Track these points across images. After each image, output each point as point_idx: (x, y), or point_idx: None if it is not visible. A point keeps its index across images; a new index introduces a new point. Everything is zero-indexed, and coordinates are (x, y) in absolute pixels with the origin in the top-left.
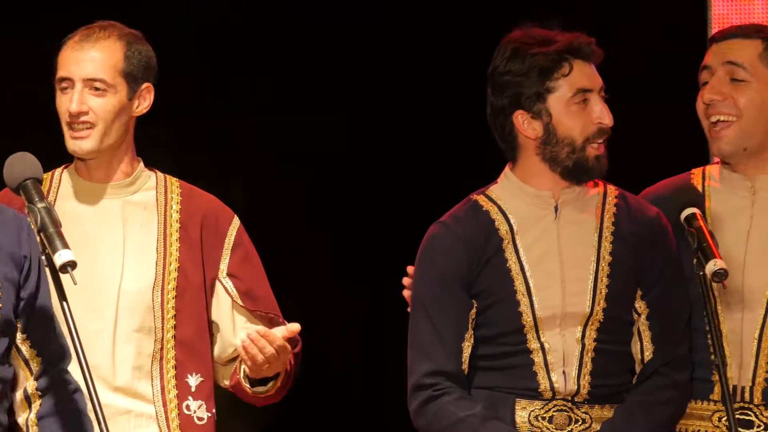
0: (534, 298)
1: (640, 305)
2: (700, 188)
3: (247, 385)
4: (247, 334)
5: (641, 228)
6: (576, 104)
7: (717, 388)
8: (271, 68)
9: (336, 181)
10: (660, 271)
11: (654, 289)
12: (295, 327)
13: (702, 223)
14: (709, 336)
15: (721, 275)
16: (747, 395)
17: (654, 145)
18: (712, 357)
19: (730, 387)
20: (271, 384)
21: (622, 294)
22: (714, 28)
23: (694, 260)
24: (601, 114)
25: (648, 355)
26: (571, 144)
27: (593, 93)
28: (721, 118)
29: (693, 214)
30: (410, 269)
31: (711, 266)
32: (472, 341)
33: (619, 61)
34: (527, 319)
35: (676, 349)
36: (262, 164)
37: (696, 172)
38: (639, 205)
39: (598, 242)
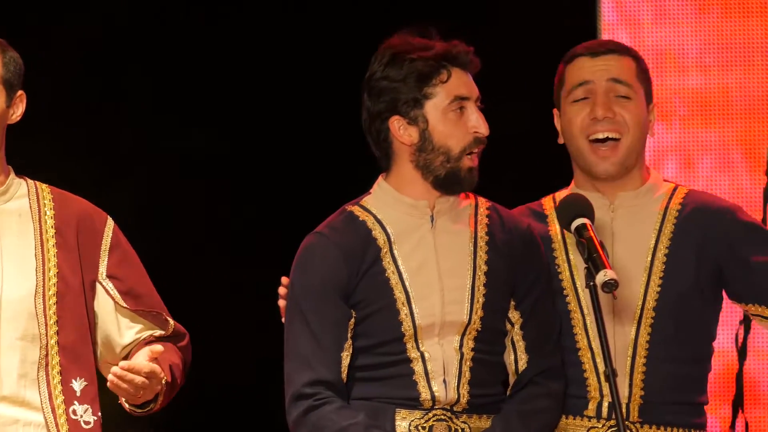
0: (414, 307)
1: (513, 315)
2: (554, 215)
3: (131, 408)
4: (112, 372)
5: (514, 239)
6: (453, 112)
7: (591, 404)
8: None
9: (220, 185)
10: (533, 281)
11: (527, 300)
12: (157, 348)
13: (592, 234)
14: (600, 348)
15: (611, 285)
16: (624, 412)
17: (541, 153)
18: (604, 369)
19: (605, 404)
20: (151, 406)
21: (497, 304)
22: (604, 37)
23: (585, 270)
24: (477, 123)
25: (522, 364)
26: (447, 153)
27: (470, 101)
28: (611, 135)
29: (583, 224)
30: (285, 280)
31: (601, 276)
32: (350, 351)
33: (503, 69)
34: (407, 328)
35: (550, 359)
36: (153, 169)
37: (546, 200)
38: (510, 216)
39: (473, 252)
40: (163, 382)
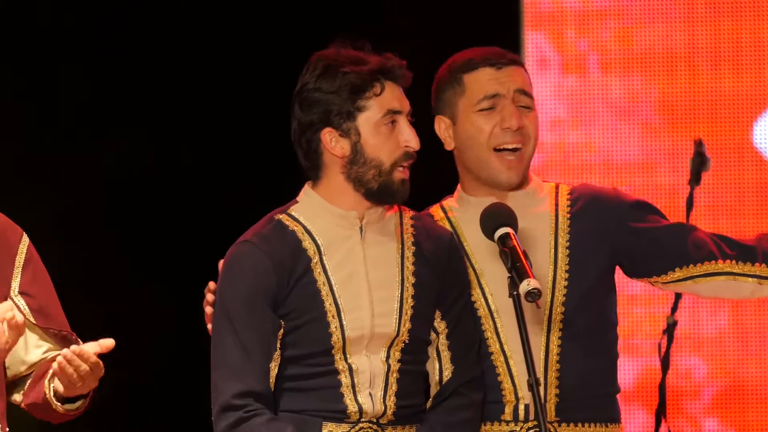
0: (344, 319)
1: (439, 325)
2: (446, 222)
3: (58, 404)
4: (63, 354)
5: (439, 248)
6: (385, 125)
7: (507, 408)
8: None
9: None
10: (459, 291)
11: (453, 310)
12: (108, 342)
13: (516, 243)
14: (523, 355)
15: (534, 294)
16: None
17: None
18: (528, 378)
19: (522, 406)
20: (81, 402)
21: (425, 315)
22: (527, 53)
23: (508, 280)
24: (409, 137)
25: (447, 375)
26: (378, 166)
27: (401, 115)
28: (518, 146)
29: (507, 234)
30: (212, 285)
31: (525, 286)
32: (278, 361)
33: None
34: (336, 339)
35: (473, 369)
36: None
37: (434, 209)
38: (434, 225)
39: (401, 263)
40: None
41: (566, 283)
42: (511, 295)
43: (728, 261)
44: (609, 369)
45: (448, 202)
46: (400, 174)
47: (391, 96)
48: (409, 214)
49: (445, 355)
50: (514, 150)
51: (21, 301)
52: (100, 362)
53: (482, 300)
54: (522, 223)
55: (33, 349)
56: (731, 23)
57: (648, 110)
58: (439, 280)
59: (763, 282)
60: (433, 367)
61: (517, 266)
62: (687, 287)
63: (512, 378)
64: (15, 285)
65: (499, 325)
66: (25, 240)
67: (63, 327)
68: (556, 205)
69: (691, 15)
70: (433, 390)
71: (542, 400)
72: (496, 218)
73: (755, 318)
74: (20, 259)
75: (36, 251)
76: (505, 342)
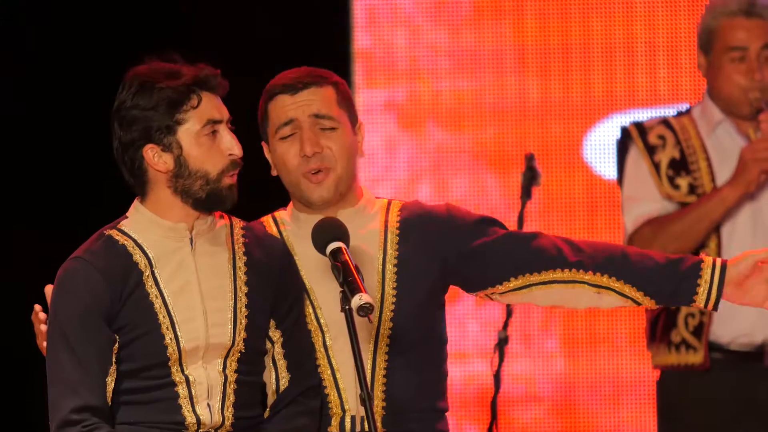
0: (178, 331)
1: (274, 334)
2: (277, 235)
3: None
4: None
5: (272, 258)
6: (206, 136)
7: (334, 421)
8: None
9: None
10: (294, 300)
11: (288, 318)
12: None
13: (348, 258)
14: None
15: (366, 309)
16: (366, 425)
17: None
18: (360, 392)
19: (348, 418)
20: None
21: (259, 324)
22: (357, 63)
23: (340, 294)
24: (230, 145)
25: (284, 383)
26: (205, 176)
27: (222, 124)
28: (323, 168)
29: (339, 248)
30: (37, 307)
31: (357, 300)
32: (114, 376)
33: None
34: (172, 351)
35: (310, 378)
36: None
37: (266, 220)
38: (266, 234)
39: (233, 273)
40: None
41: (394, 300)
42: (343, 310)
43: (567, 270)
44: (438, 383)
45: (281, 214)
46: (229, 179)
47: (209, 106)
48: (239, 224)
49: (281, 364)
50: (319, 173)
51: None
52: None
53: (312, 314)
54: (352, 240)
55: None
56: (560, 35)
57: (478, 125)
58: (271, 289)
59: (601, 291)
60: (269, 376)
61: (349, 281)
62: (524, 296)
63: (338, 390)
64: None
65: (327, 339)
66: None
67: None
68: (386, 222)
69: (520, 21)
70: (270, 400)
71: (374, 416)
72: (328, 232)
73: (586, 327)
74: None
75: None
76: (333, 356)
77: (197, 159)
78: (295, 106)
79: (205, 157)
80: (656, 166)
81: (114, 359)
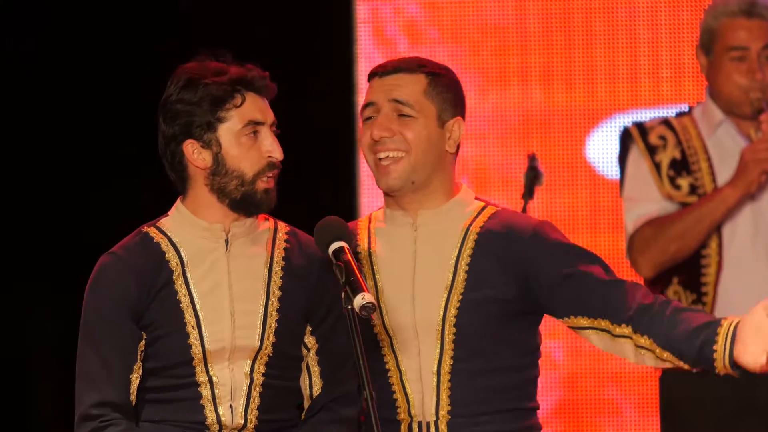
0: (204, 331)
1: (309, 340)
2: (366, 231)
3: None
4: None
5: (311, 264)
6: (246, 136)
7: (403, 426)
8: None
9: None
10: (329, 307)
11: (323, 326)
12: None
13: (350, 257)
14: (358, 370)
15: (369, 309)
16: (433, 430)
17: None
18: (364, 392)
19: (415, 425)
20: None
21: (292, 329)
22: (360, 65)
23: (342, 294)
24: (271, 147)
25: (316, 390)
26: (240, 177)
27: (264, 126)
28: (390, 154)
29: (341, 248)
30: None
31: (359, 300)
32: (140, 373)
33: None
34: (196, 351)
35: (344, 385)
36: None
37: (362, 219)
38: (309, 241)
39: (268, 276)
40: None
41: (458, 305)
42: (344, 309)
43: (617, 325)
44: (517, 386)
45: (378, 213)
46: (264, 184)
47: (253, 107)
48: (285, 228)
49: (315, 370)
50: (387, 158)
51: None
52: None
53: (378, 317)
54: (430, 239)
55: None
56: (563, 36)
57: (481, 124)
58: (308, 295)
59: (644, 352)
60: (304, 383)
61: (351, 280)
62: (583, 335)
63: (407, 396)
64: None
65: (395, 343)
66: None
67: None
68: (470, 225)
69: (523, 29)
70: (306, 406)
71: (377, 416)
72: (329, 232)
73: None
74: None
75: None
76: (401, 360)
77: (235, 158)
78: (379, 90)
79: (242, 157)
80: (657, 167)
81: (140, 356)
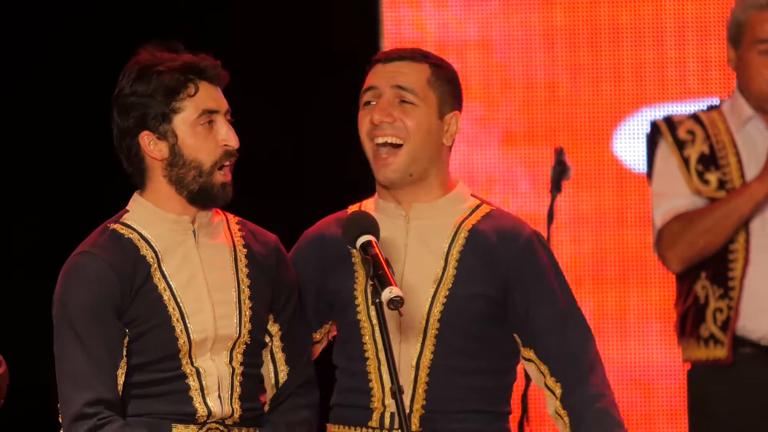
0: (188, 323)
1: (273, 328)
2: None
3: None
4: None
5: (268, 251)
6: (201, 125)
7: (375, 415)
8: None
9: None
10: (289, 293)
11: (285, 312)
12: None
13: (378, 250)
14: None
15: (397, 302)
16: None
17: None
18: (390, 385)
19: (388, 414)
20: None
21: (261, 316)
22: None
23: (370, 287)
24: (227, 136)
25: (283, 377)
26: (198, 167)
27: (219, 115)
28: (389, 140)
29: (369, 242)
30: None
31: (387, 293)
32: (125, 369)
33: (291, 86)
34: (182, 343)
35: (308, 370)
36: None
37: (353, 207)
38: (259, 230)
39: (235, 265)
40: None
41: (445, 301)
42: (373, 303)
43: (553, 380)
44: (495, 389)
45: (367, 203)
46: (221, 177)
47: (207, 96)
48: (234, 219)
49: (280, 357)
50: (385, 144)
51: None
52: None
53: (364, 305)
54: (421, 233)
55: None
56: (589, 28)
57: (508, 120)
58: (270, 283)
59: (558, 419)
60: (267, 370)
61: (379, 274)
62: (523, 361)
63: (383, 386)
64: None
65: (376, 332)
66: None
67: None
68: (463, 222)
69: (549, 24)
70: (269, 394)
71: (404, 410)
72: (358, 226)
73: (616, 322)
74: None
75: None
76: (381, 350)
77: (192, 148)
78: (382, 75)
79: (199, 147)
80: (685, 161)
81: (125, 353)
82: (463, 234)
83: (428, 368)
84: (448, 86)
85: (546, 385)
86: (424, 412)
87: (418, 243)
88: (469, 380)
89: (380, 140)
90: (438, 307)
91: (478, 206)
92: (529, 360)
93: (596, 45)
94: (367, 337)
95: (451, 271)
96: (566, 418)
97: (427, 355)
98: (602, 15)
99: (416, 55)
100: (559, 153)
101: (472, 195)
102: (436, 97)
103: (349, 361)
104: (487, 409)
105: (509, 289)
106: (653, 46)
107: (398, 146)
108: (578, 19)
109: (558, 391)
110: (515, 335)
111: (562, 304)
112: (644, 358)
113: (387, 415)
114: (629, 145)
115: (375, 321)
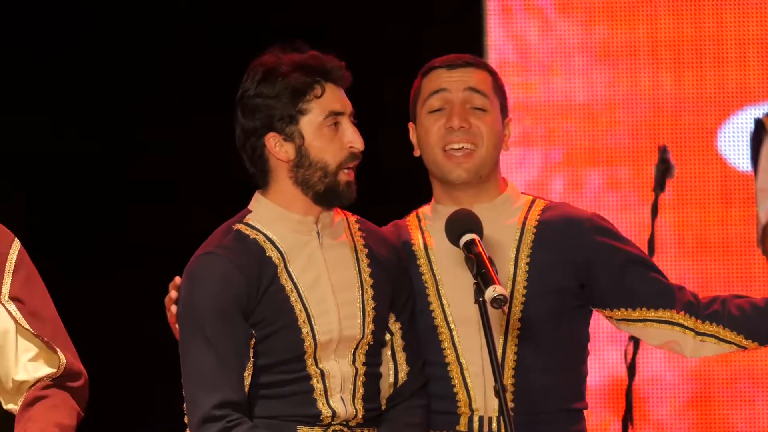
0: (314, 324)
1: (394, 326)
2: (417, 228)
3: None
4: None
5: (388, 251)
6: (327, 127)
7: (462, 419)
8: None
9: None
10: (409, 293)
11: (406, 311)
12: None
13: (481, 249)
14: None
15: (500, 301)
16: (494, 425)
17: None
18: (494, 384)
19: (476, 418)
20: None
21: (383, 316)
22: (491, 60)
23: (474, 286)
24: (352, 138)
25: (403, 376)
26: (324, 168)
27: (344, 116)
28: (465, 145)
29: (472, 240)
30: (178, 280)
31: (490, 292)
32: (252, 370)
33: (395, 91)
34: (308, 345)
35: (423, 374)
36: None
37: (410, 217)
38: (377, 229)
39: (357, 265)
40: None
41: (523, 299)
42: (476, 302)
43: (682, 313)
44: (574, 385)
45: (423, 209)
46: (345, 176)
47: (332, 97)
48: (353, 218)
49: (401, 356)
50: (460, 149)
51: (12, 307)
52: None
53: (440, 309)
54: (486, 233)
55: (22, 354)
56: (693, 27)
57: (613, 116)
58: (391, 282)
59: (705, 339)
60: (386, 369)
61: (483, 272)
62: (637, 329)
63: (467, 390)
64: (5, 290)
65: (455, 336)
66: (17, 244)
67: (57, 330)
68: (525, 219)
69: (653, 13)
70: (386, 392)
71: (508, 409)
72: (461, 224)
73: None
74: (10, 265)
75: (28, 256)
76: (462, 353)
77: (318, 150)
78: (450, 79)
79: (325, 148)
80: None
81: (251, 354)
82: (530, 230)
83: (513, 369)
84: (503, 92)
85: (675, 324)
86: (513, 414)
87: (484, 243)
88: (552, 378)
89: (456, 146)
90: (517, 307)
91: (533, 201)
92: (638, 320)
93: (700, 42)
94: (446, 342)
95: (523, 268)
96: (714, 326)
97: (510, 357)
98: (706, 13)
99: (477, 62)
100: (663, 151)
101: (523, 192)
102: (499, 102)
103: (428, 367)
104: (569, 407)
105: (590, 266)
106: (757, 42)
107: (471, 150)
108: (682, 17)
109: (691, 319)
110: (613, 309)
111: (643, 254)
112: (748, 358)
113: (476, 419)
114: (734, 143)
115: (453, 324)
